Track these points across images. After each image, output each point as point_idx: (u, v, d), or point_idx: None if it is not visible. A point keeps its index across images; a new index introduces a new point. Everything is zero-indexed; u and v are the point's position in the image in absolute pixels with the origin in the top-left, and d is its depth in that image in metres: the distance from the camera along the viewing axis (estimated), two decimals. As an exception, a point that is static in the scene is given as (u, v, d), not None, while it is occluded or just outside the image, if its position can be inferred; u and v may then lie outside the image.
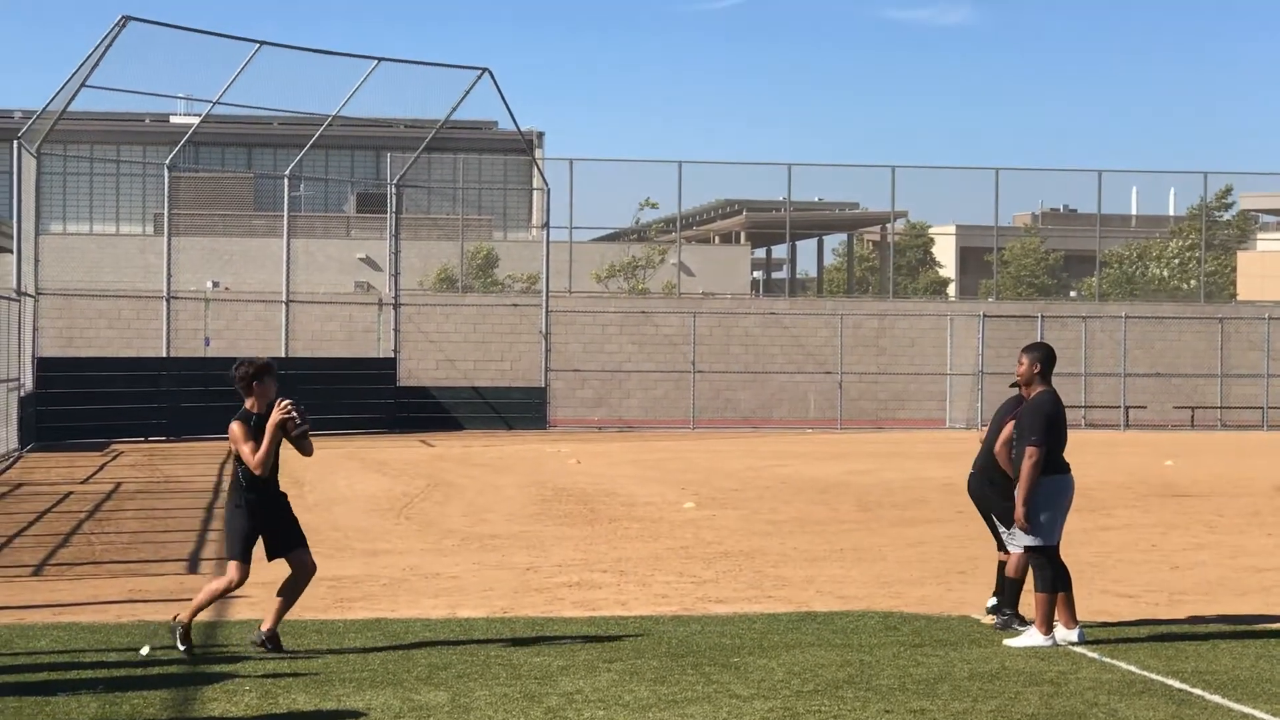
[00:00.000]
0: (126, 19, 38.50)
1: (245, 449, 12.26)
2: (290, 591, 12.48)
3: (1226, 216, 79.37)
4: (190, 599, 12.74)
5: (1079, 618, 13.19)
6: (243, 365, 12.63)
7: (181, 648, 12.05)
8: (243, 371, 12.55)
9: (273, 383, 12.59)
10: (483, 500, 25.92)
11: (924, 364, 53.56)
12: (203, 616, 13.94)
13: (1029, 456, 12.85)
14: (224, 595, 12.41)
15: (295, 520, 12.66)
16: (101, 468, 32.19)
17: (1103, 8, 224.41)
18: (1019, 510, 12.88)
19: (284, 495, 12.61)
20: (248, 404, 12.48)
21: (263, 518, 12.37)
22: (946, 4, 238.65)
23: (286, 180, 48.44)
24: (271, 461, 12.32)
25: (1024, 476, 12.87)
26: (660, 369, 52.22)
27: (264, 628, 12.42)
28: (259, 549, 12.46)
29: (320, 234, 74.03)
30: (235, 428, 12.37)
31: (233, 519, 12.39)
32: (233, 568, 12.26)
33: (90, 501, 25.19)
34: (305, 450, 12.59)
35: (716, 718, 10.09)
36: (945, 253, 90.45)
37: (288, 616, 12.63)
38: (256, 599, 14.75)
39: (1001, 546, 13.85)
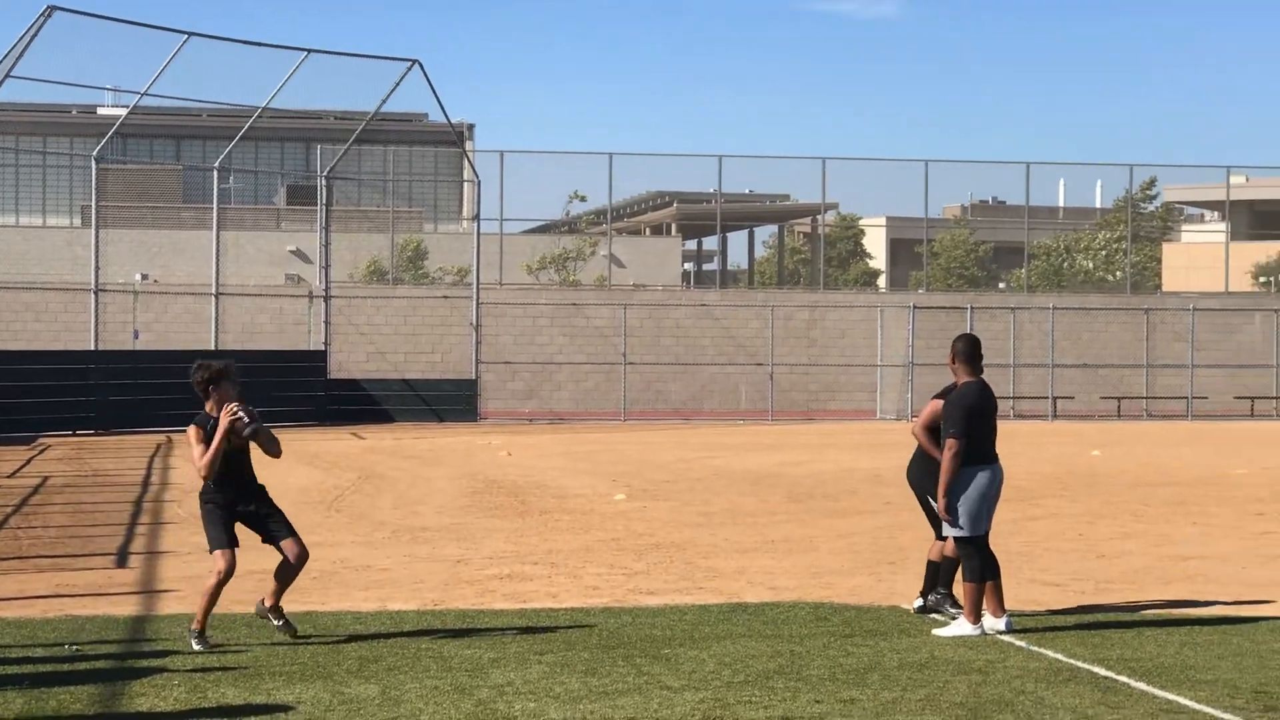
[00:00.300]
0: (52, 9, 38.23)
1: (195, 452, 12.23)
2: (284, 576, 12.61)
3: (1151, 208, 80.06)
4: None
5: (1008, 607, 13.28)
6: (199, 370, 12.52)
7: (198, 647, 11.99)
8: (199, 376, 12.44)
9: (231, 386, 12.45)
10: (413, 493, 25.87)
11: (854, 355, 53.74)
12: (131, 610, 13.89)
13: (948, 449, 12.93)
14: (220, 587, 12.35)
15: (277, 511, 12.66)
16: (28, 462, 31.96)
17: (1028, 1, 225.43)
18: (940, 501, 13.00)
19: (262, 488, 12.65)
20: (207, 407, 12.40)
21: (234, 509, 12.39)
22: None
23: (216, 172, 48.23)
24: (216, 466, 12.21)
25: (943, 468, 12.97)
26: (591, 361, 52.23)
27: (267, 603, 12.56)
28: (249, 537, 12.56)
29: (250, 226, 73.70)
30: (190, 431, 12.33)
31: (205, 517, 12.44)
32: (218, 557, 12.25)
33: (17, 496, 24.99)
34: (270, 451, 12.50)
35: (647, 709, 10.11)
36: (876, 244, 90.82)
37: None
38: (185, 594, 14.70)
39: (939, 535, 13.89)
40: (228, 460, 12.29)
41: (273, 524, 12.53)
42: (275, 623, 12.50)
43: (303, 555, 12.55)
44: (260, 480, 12.57)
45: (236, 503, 12.38)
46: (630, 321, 51.48)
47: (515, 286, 58.01)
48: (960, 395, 13.10)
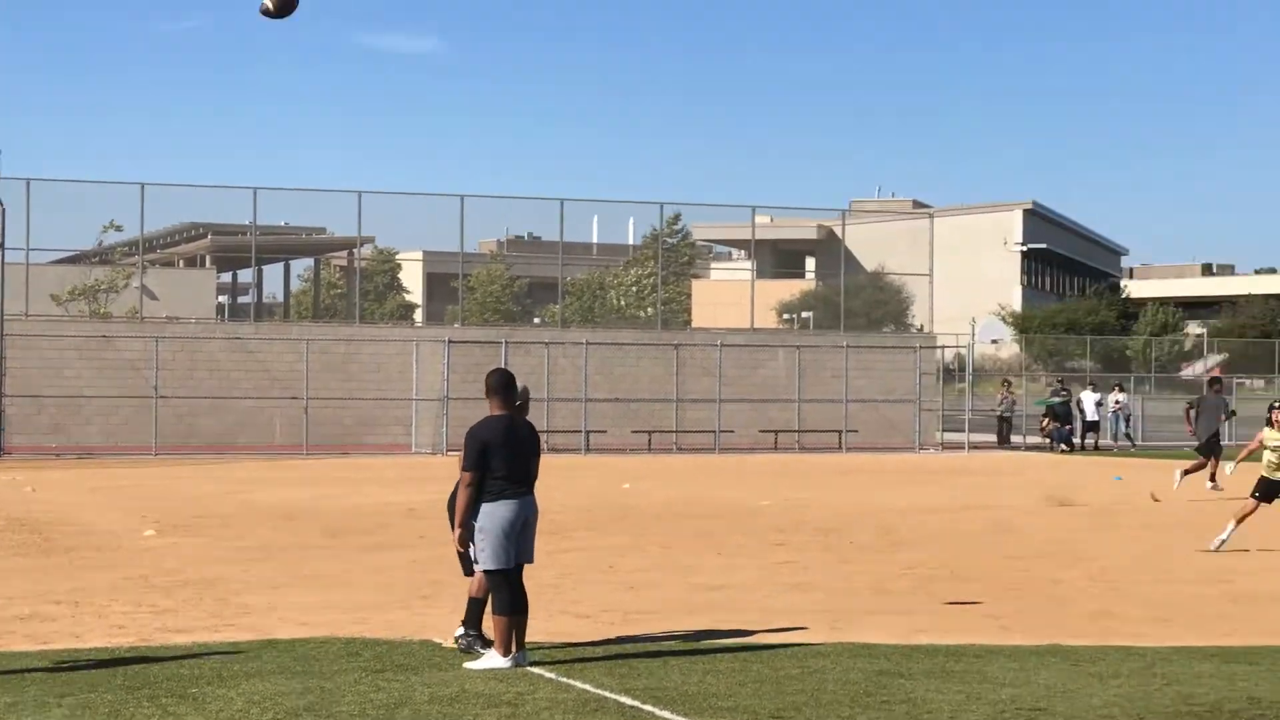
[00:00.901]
0: None
1: None
2: None
3: (673, 242, 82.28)
4: None
5: (538, 639, 13.45)
6: None
7: None
8: None
9: None
10: (-70, 532, 24.90)
11: (390, 389, 53.65)
12: None
13: (461, 482, 13.10)
14: None
15: None
16: None
17: (560, 41, 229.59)
18: (455, 533, 13.16)
19: None
20: None
21: None
22: (415, 32, 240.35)
23: None
24: None
25: (458, 502, 13.14)
26: (122, 394, 50.92)
27: None
28: None
29: None
30: None
31: None
32: None
33: None
34: None
35: (173, 750, 9.96)
36: (412, 278, 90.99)
37: None
38: None
39: (466, 571, 13.97)
40: None
41: None
42: None
43: None
44: None
45: None
46: (163, 355, 50.40)
47: (42, 318, 56.22)
48: (479, 429, 13.24)
